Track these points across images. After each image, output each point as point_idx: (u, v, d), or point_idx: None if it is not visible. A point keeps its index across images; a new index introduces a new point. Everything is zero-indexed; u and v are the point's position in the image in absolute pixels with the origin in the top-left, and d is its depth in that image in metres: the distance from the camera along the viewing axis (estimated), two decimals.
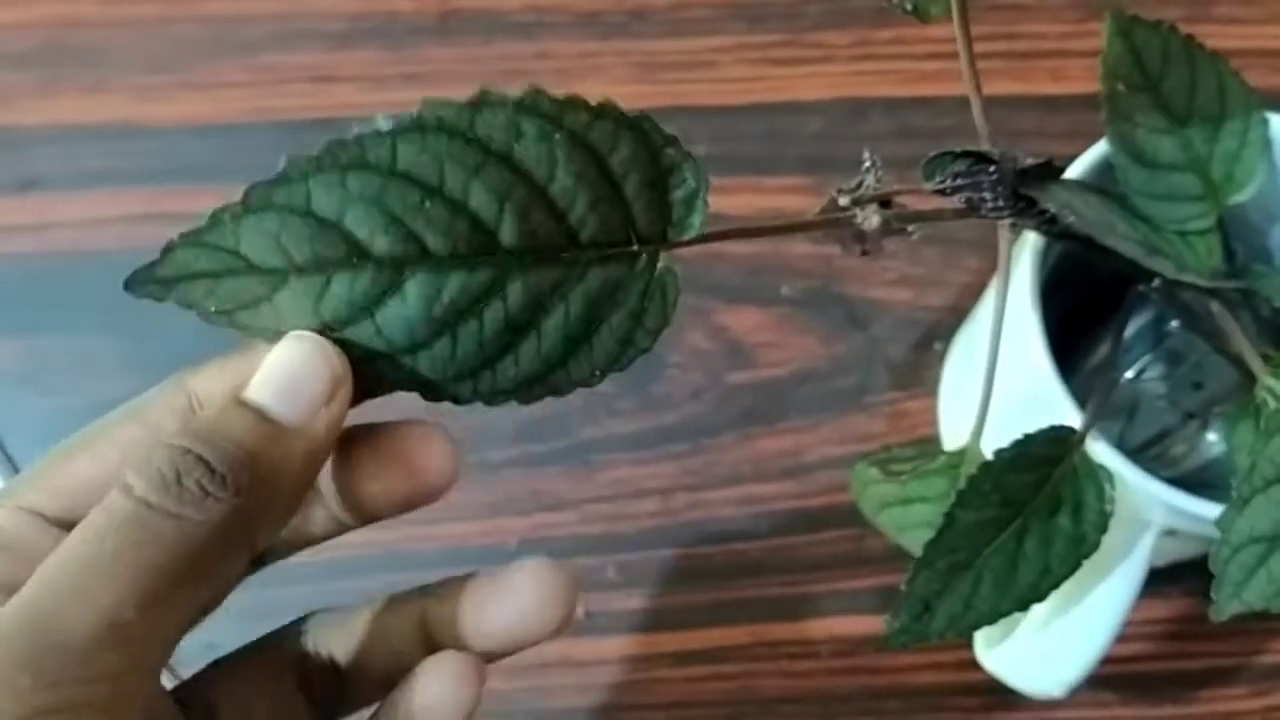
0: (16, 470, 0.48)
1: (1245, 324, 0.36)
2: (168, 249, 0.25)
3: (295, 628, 0.29)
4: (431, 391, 0.26)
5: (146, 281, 0.25)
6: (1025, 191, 0.30)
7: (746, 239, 0.48)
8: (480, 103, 0.25)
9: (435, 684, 0.27)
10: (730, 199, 0.51)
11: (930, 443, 0.48)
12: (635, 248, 0.26)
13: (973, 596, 0.32)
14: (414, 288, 0.25)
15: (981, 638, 0.42)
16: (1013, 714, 0.46)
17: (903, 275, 0.50)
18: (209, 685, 0.28)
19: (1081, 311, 0.41)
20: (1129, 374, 0.42)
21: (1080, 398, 0.35)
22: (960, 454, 0.34)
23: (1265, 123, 0.36)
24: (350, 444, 0.27)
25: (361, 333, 0.25)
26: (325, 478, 0.27)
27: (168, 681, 0.27)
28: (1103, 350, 0.42)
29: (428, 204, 0.25)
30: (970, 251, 0.50)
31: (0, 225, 0.50)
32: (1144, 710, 0.47)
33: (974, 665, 0.42)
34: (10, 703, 0.21)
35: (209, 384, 0.26)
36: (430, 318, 0.25)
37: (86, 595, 0.22)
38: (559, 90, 0.26)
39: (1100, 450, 0.34)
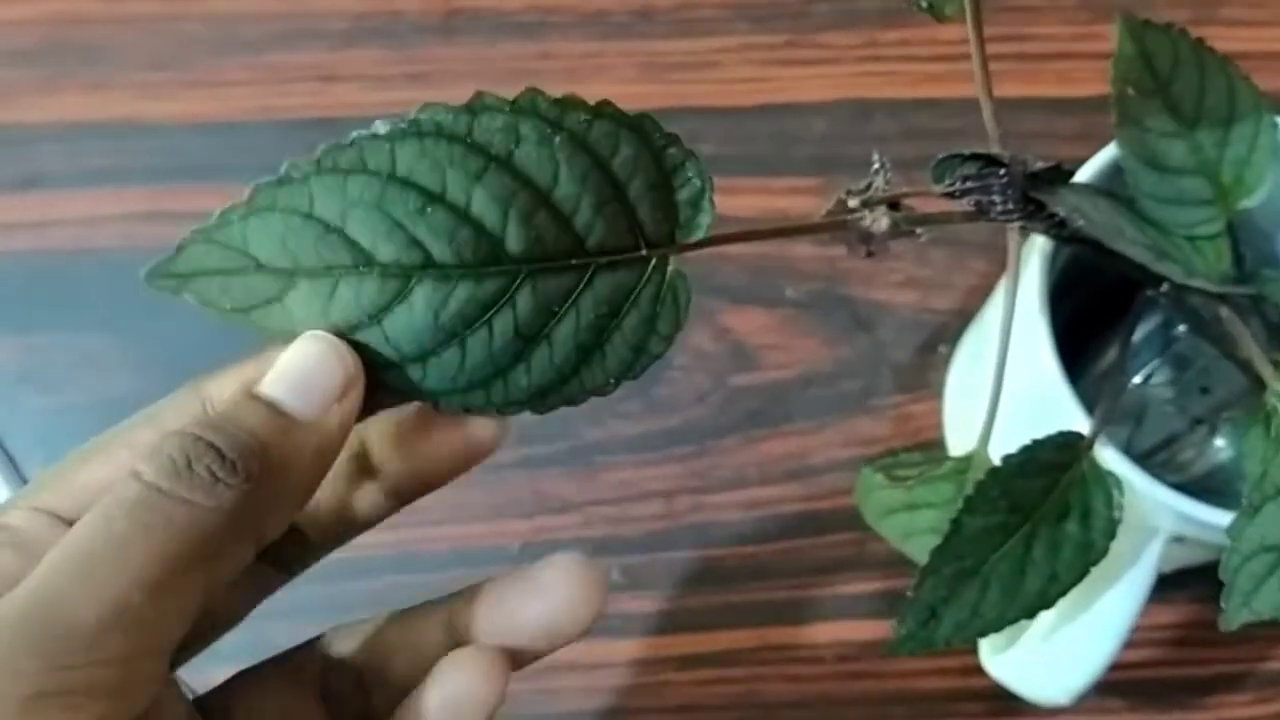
0: (16, 468, 0.48)
1: (1254, 329, 0.35)
2: (182, 245, 0.25)
3: (316, 641, 0.29)
4: (443, 401, 0.26)
5: (163, 276, 0.25)
6: (1035, 195, 0.30)
7: (751, 240, 0.48)
8: (477, 106, 0.25)
9: (458, 679, 0.26)
10: (736, 200, 0.50)
11: (935, 446, 0.48)
12: (644, 252, 0.26)
13: (980, 603, 0.32)
14: (421, 296, 0.25)
15: (987, 644, 0.41)
16: None
17: (909, 277, 0.50)
18: (230, 698, 0.28)
19: (1089, 315, 0.41)
20: (1137, 379, 0.42)
21: (1088, 402, 0.35)
22: (967, 459, 0.34)
23: (1275, 127, 0.36)
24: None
25: (370, 339, 0.25)
26: (378, 443, 0.27)
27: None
28: (1111, 354, 0.41)
29: (429, 210, 0.25)
30: (977, 254, 0.50)
31: (1, 222, 0.50)
32: (1151, 716, 0.47)
33: (979, 671, 0.42)
34: (15, 685, 0.21)
35: (223, 389, 0.26)
36: (438, 327, 0.25)
37: (93, 579, 0.22)
38: (563, 91, 0.26)
39: (1109, 456, 0.34)
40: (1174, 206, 0.35)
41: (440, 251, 0.25)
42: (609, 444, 0.48)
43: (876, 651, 0.46)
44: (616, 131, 0.25)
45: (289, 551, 0.28)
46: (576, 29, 0.53)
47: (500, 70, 0.52)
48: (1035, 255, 0.36)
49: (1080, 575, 0.32)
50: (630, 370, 0.26)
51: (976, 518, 0.31)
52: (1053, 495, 0.32)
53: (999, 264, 0.48)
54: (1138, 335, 0.41)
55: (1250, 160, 0.36)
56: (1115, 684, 0.46)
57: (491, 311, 0.25)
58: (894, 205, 0.28)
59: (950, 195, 0.30)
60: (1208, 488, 0.42)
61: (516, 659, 0.27)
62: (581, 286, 0.26)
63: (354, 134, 0.25)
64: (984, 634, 0.32)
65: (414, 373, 0.25)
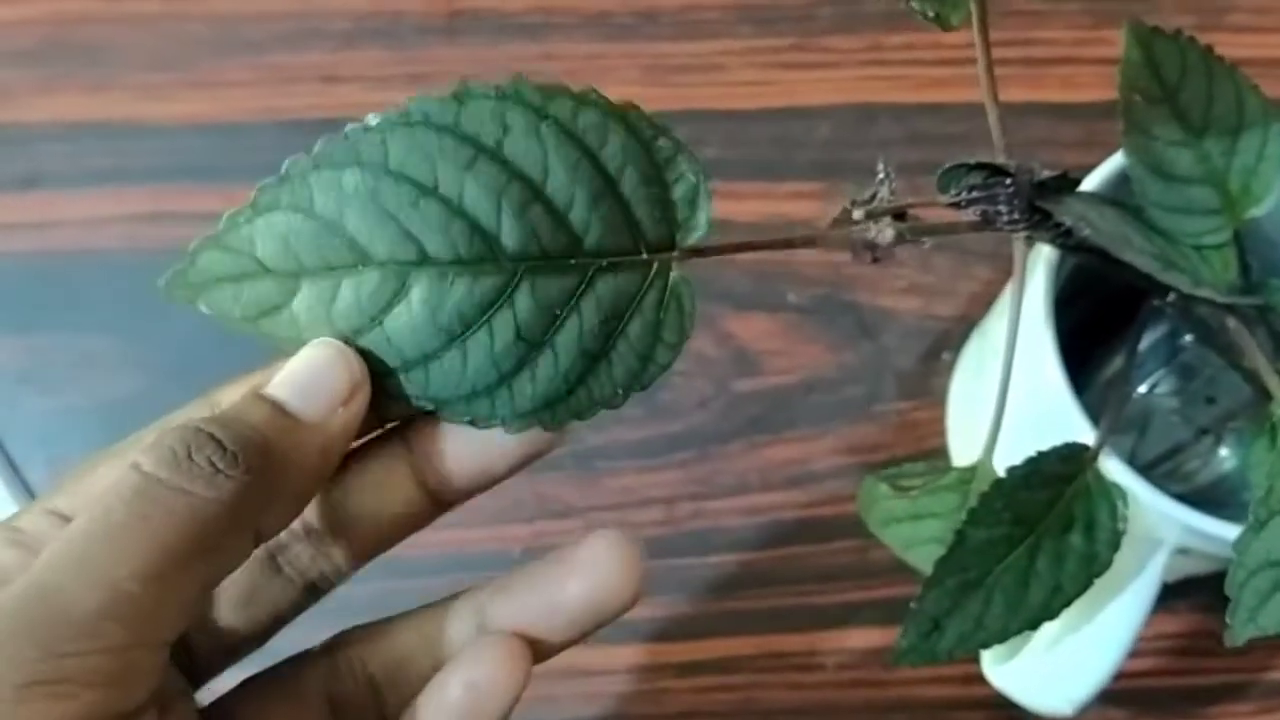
0: (16, 469, 0.47)
1: (1260, 339, 0.35)
2: (194, 253, 0.25)
3: (323, 646, 0.28)
4: (448, 411, 0.25)
5: (179, 286, 0.25)
6: (1041, 204, 0.30)
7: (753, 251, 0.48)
8: (464, 94, 0.25)
9: (480, 666, 0.26)
10: (739, 204, 0.50)
11: (938, 453, 0.48)
12: (645, 256, 0.26)
13: (983, 615, 0.32)
14: (419, 294, 0.25)
15: (989, 654, 0.41)
16: None
17: (912, 283, 0.50)
18: (238, 705, 0.28)
19: (1095, 322, 0.41)
20: (1142, 388, 0.42)
21: (1093, 410, 0.35)
22: (972, 470, 0.34)
23: None
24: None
25: (373, 342, 0.25)
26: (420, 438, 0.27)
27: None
28: (1116, 363, 0.41)
29: (422, 203, 0.25)
30: (981, 261, 0.50)
31: (1, 223, 0.50)
32: None
33: (981, 680, 0.42)
34: (10, 672, 0.21)
35: (234, 397, 0.26)
36: (437, 327, 0.25)
37: (91, 567, 0.22)
38: None
39: (1114, 468, 0.34)
40: (1181, 215, 0.35)
41: (435, 246, 0.25)
42: (610, 449, 0.48)
43: (877, 659, 0.46)
44: (604, 121, 0.25)
45: (320, 572, 0.28)
46: (579, 30, 0.53)
47: (502, 71, 0.51)
48: (1041, 265, 0.36)
49: (1084, 587, 0.32)
50: (638, 380, 0.26)
51: (980, 529, 0.31)
52: (1057, 507, 0.32)
53: (1003, 271, 0.48)
54: (1143, 344, 0.41)
55: (1258, 169, 0.35)
56: (1118, 693, 0.45)
57: (490, 312, 0.25)
58: (899, 216, 0.28)
59: (956, 205, 0.29)
60: (1212, 498, 0.42)
61: (546, 648, 0.27)
62: (582, 288, 0.25)
63: (348, 127, 0.25)
64: (987, 645, 0.32)
65: (418, 377, 0.25)
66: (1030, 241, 0.33)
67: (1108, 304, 0.39)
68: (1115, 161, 0.37)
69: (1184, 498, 0.35)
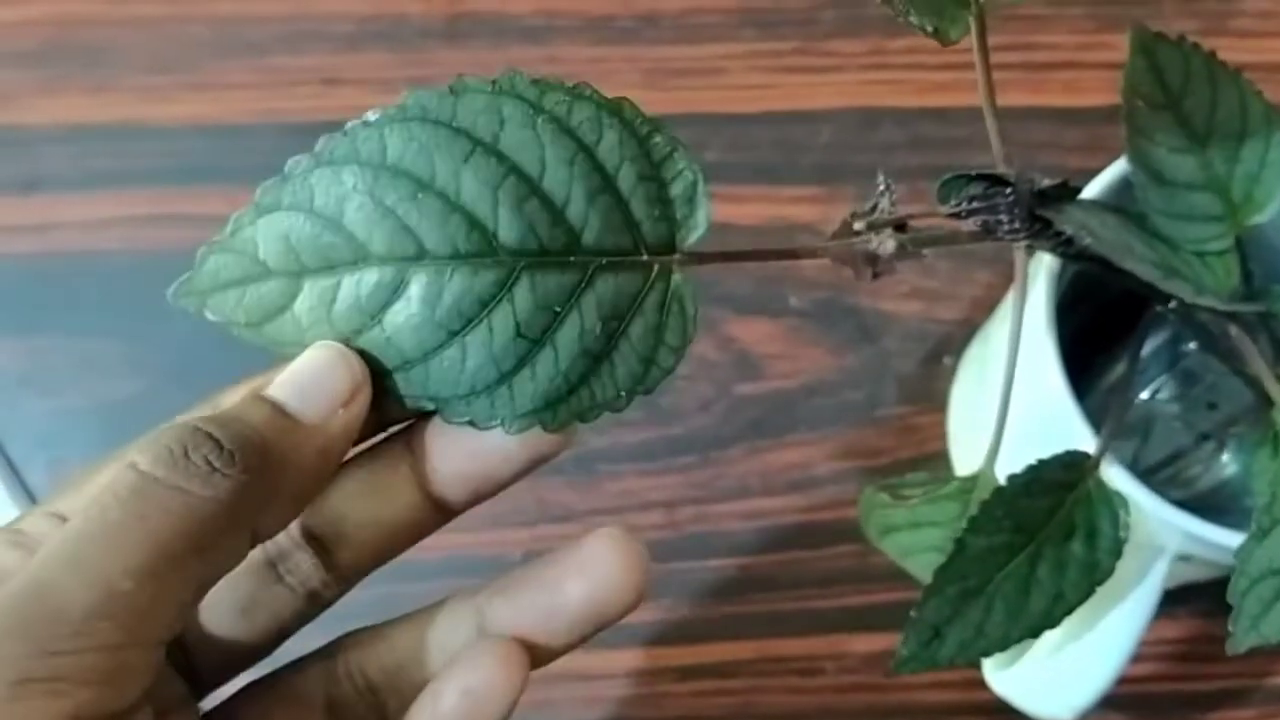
0: (16, 471, 0.47)
1: (1262, 346, 0.35)
2: (201, 258, 0.26)
3: (326, 649, 0.28)
4: (449, 411, 0.25)
5: (187, 294, 0.26)
6: (1042, 213, 0.30)
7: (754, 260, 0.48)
8: (460, 88, 0.25)
9: (476, 671, 0.26)
10: (741, 208, 0.50)
11: (939, 458, 0.48)
12: (645, 257, 0.26)
13: (984, 623, 0.31)
14: (417, 290, 0.25)
15: (990, 660, 0.41)
16: None
17: (914, 288, 0.50)
18: (238, 710, 0.28)
19: (1097, 326, 0.41)
20: (1144, 394, 0.42)
21: (1095, 416, 0.35)
22: (973, 479, 0.34)
23: None
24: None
25: (374, 341, 0.25)
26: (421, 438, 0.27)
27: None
28: (1118, 369, 0.41)
29: (420, 197, 0.25)
30: (983, 265, 0.50)
31: (2, 225, 0.50)
32: None
33: (982, 684, 0.42)
34: (3, 669, 0.21)
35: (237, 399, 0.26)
36: (436, 322, 0.25)
37: (85, 565, 0.22)
38: None
39: (1116, 476, 0.34)
40: (1183, 222, 0.35)
41: (433, 241, 0.25)
42: (611, 452, 0.48)
43: (877, 664, 0.46)
44: (597, 115, 0.25)
45: (322, 580, 0.28)
46: (581, 33, 0.53)
47: None
48: (1042, 274, 0.36)
49: (1086, 595, 0.32)
50: (641, 383, 0.26)
51: (981, 537, 0.31)
52: (1058, 515, 0.32)
53: (1004, 275, 0.48)
54: (1145, 350, 0.40)
55: (1261, 176, 0.35)
56: (1118, 698, 0.45)
57: (489, 307, 0.25)
58: (900, 227, 0.28)
59: (956, 215, 0.29)
60: (1214, 503, 0.42)
61: (546, 652, 0.27)
62: (582, 286, 0.25)
63: (348, 124, 0.25)
64: (988, 654, 0.32)
65: (418, 376, 0.25)
66: (1031, 250, 0.33)
67: (1109, 310, 0.39)
68: (1117, 168, 0.36)
69: (1185, 503, 0.35)
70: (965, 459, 0.46)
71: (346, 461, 0.27)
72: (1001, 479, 0.32)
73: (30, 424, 0.48)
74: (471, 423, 0.25)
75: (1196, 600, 0.46)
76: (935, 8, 0.28)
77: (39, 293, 0.49)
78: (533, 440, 0.26)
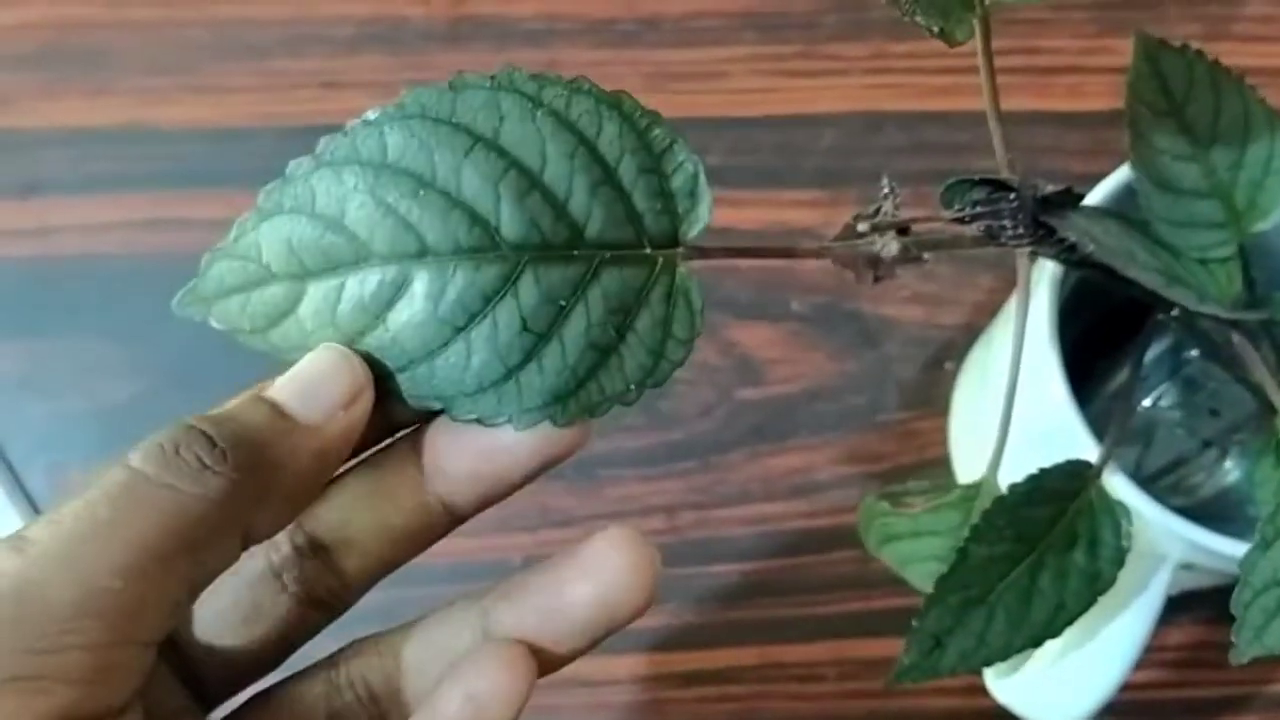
0: (16, 474, 0.47)
1: (1265, 354, 0.35)
2: (205, 265, 0.26)
3: (328, 659, 0.28)
4: (455, 409, 0.25)
5: (191, 302, 0.26)
6: (1045, 219, 0.29)
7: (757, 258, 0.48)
8: (459, 84, 0.25)
9: (480, 676, 0.25)
10: (742, 212, 0.50)
11: (940, 463, 0.48)
12: (648, 250, 0.25)
13: (986, 632, 0.31)
14: (420, 287, 0.25)
15: (992, 668, 0.41)
16: None
17: (915, 293, 0.50)
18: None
19: (1100, 334, 0.41)
20: (1146, 401, 0.42)
21: (1097, 422, 0.35)
22: (975, 487, 0.34)
23: None
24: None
25: (378, 341, 0.25)
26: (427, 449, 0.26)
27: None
28: (1120, 376, 0.41)
29: (421, 194, 0.25)
30: (984, 270, 0.50)
31: (2, 229, 0.50)
32: None
33: (983, 690, 0.41)
34: None
35: None
36: (439, 319, 0.25)
37: (72, 562, 0.22)
38: None
39: (1118, 485, 0.34)
40: (1186, 229, 0.35)
41: (435, 237, 0.25)
42: (613, 457, 0.48)
43: (879, 670, 0.46)
44: (597, 108, 0.25)
45: (328, 589, 0.27)
46: (583, 37, 0.53)
47: None
48: (1045, 281, 0.36)
49: (1088, 604, 0.32)
50: (650, 376, 0.26)
51: (982, 546, 0.31)
52: (1060, 524, 0.32)
53: (1006, 280, 0.48)
54: (1148, 357, 0.40)
55: (1264, 183, 0.35)
56: (1120, 705, 0.45)
57: (493, 302, 0.25)
58: (903, 230, 0.27)
59: (959, 221, 0.29)
60: (1216, 511, 0.42)
61: (553, 657, 0.26)
62: (587, 279, 0.25)
63: (348, 124, 0.25)
64: (990, 663, 0.32)
65: (423, 375, 0.25)
66: (1034, 256, 0.33)
67: (1112, 316, 0.39)
68: (1121, 174, 0.36)
69: (1188, 510, 0.35)
70: (966, 464, 0.46)
71: (353, 468, 0.27)
72: (1003, 486, 0.32)
73: (30, 427, 0.48)
74: (479, 420, 0.25)
75: (1199, 607, 0.46)
76: (942, 9, 0.28)
77: (38, 296, 0.49)
78: (542, 439, 0.25)
